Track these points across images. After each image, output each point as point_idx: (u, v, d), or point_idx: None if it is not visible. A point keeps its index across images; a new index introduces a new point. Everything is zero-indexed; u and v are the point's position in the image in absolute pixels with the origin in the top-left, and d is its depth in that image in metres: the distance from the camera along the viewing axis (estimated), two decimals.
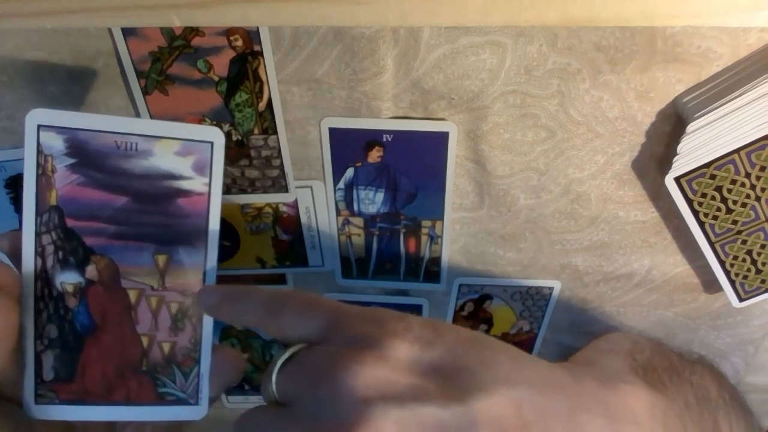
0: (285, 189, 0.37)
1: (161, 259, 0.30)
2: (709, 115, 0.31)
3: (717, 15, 0.28)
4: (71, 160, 0.28)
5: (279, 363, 0.26)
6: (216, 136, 0.29)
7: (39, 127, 0.28)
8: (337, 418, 0.23)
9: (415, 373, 0.24)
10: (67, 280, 0.29)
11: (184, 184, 0.29)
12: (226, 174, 0.36)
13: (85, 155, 0.28)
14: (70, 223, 0.29)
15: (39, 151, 0.28)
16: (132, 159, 0.29)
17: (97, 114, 0.29)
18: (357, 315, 0.26)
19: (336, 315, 0.26)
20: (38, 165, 0.28)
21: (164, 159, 0.29)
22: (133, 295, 0.30)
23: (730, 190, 0.34)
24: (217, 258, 0.30)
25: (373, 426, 0.22)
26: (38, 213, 0.28)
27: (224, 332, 0.47)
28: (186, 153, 0.29)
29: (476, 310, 0.44)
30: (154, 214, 0.29)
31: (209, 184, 0.30)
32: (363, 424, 0.22)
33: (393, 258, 0.41)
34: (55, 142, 0.28)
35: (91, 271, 0.29)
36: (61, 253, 0.29)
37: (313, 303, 0.27)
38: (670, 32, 0.30)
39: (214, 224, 0.30)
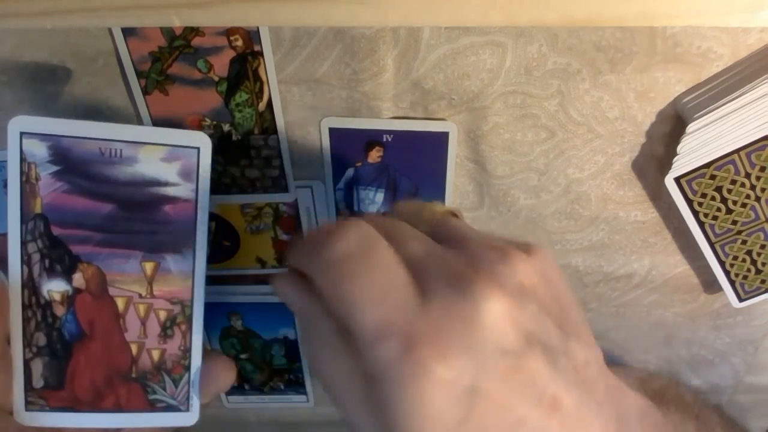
0: (285, 189, 0.37)
1: (149, 266, 0.29)
2: (709, 115, 0.31)
3: (717, 15, 0.28)
4: (55, 168, 0.28)
5: None
6: (202, 141, 0.29)
7: (21, 134, 0.27)
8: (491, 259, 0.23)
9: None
10: (54, 288, 0.29)
11: (171, 191, 0.29)
12: (226, 174, 0.36)
13: (69, 162, 0.28)
14: (55, 231, 0.28)
15: (22, 159, 0.28)
16: (117, 166, 0.28)
17: (81, 120, 0.28)
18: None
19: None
20: (22, 173, 0.28)
21: (150, 165, 0.29)
22: (121, 303, 0.30)
23: (730, 191, 0.34)
24: (205, 265, 0.30)
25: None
26: (23, 221, 0.28)
27: (224, 333, 0.47)
28: (172, 159, 0.29)
29: None
30: (140, 222, 0.29)
31: (196, 191, 0.29)
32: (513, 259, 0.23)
33: None
34: (39, 150, 0.28)
35: (78, 279, 0.29)
36: (47, 262, 0.29)
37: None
38: (670, 32, 0.30)
39: (202, 230, 0.29)
